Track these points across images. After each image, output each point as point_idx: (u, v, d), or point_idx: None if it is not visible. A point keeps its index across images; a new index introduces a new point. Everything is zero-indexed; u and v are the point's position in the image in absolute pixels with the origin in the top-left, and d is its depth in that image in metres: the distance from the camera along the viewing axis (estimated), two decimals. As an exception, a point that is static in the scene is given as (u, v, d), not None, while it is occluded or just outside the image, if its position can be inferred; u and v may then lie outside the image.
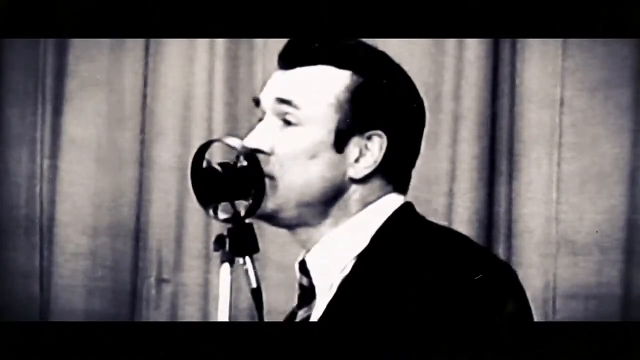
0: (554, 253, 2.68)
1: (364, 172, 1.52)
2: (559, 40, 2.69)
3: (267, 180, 1.49)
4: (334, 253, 1.53)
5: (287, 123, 1.52)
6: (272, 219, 1.52)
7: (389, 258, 1.48)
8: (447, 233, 1.56)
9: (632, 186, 2.66)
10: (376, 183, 1.54)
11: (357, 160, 1.52)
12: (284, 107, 1.52)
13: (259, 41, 2.96)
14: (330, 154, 1.51)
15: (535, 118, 2.72)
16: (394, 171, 1.55)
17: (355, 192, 1.53)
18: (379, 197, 1.54)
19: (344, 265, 1.52)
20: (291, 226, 1.54)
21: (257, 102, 1.57)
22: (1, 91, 3.10)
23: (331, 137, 1.51)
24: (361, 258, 1.51)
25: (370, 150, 1.52)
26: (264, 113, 1.55)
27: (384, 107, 1.54)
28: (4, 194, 3.11)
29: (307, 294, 1.55)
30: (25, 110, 3.12)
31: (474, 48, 2.75)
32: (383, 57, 1.58)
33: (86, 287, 3.09)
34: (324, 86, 1.52)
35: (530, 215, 2.72)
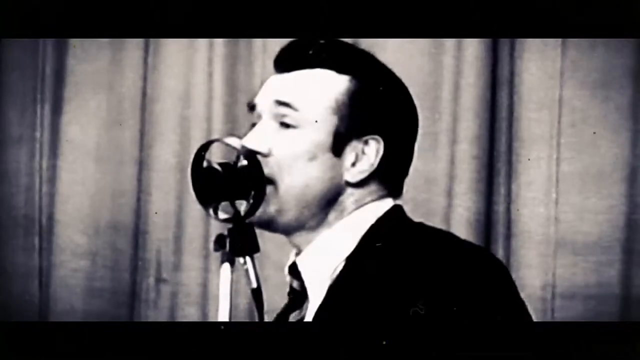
0: (553, 253, 2.68)
1: (360, 177, 1.53)
2: (559, 40, 2.69)
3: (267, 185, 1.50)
4: (324, 255, 1.53)
5: (285, 125, 1.52)
6: (271, 223, 1.52)
7: (377, 260, 1.48)
8: (435, 233, 1.55)
9: (632, 186, 2.66)
10: (372, 188, 1.55)
11: (353, 165, 1.53)
12: (283, 109, 1.52)
13: (258, 41, 2.96)
14: (328, 157, 1.52)
15: (534, 118, 2.72)
16: (390, 176, 1.56)
17: (350, 196, 1.54)
18: (371, 201, 1.54)
19: (335, 267, 1.52)
20: (289, 230, 1.54)
21: (252, 107, 1.57)
22: (1, 91, 3.10)
23: (329, 140, 1.52)
24: (350, 260, 1.52)
25: (366, 155, 1.53)
26: (259, 117, 1.56)
27: (382, 112, 1.54)
28: (3, 194, 3.11)
29: (298, 297, 1.56)
30: (25, 111, 3.12)
31: (474, 48, 2.75)
32: (378, 62, 1.59)
33: (85, 287, 3.09)
34: (324, 89, 1.53)
35: (529, 215, 2.72)
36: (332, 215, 1.53)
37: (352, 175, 1.53)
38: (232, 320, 1.43)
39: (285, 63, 1.56)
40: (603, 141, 2.67)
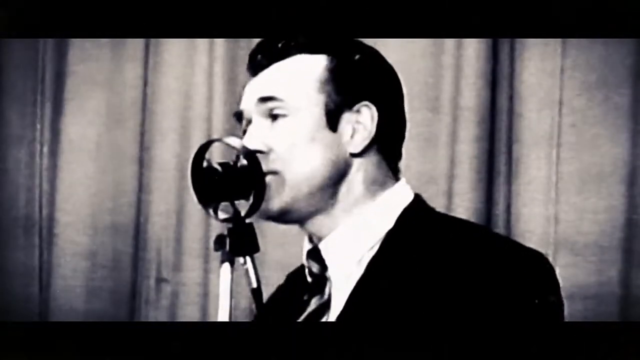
0: (553, 253, 2.68)
1: (363, 145, 1.55)
2: (558, 40, 2.69)
3: (272, 177, 1.51)
4: (350, 243, 1.55)
5: (275, 117, 1.55)
6: (285, 214, 1.54)
7: (413, 251, 1.51)
8: (468, 225, 1.61)
9: (631, 186, 2.66)
10: (375, 158, 1.57)
11: (352, 137, 1.55)
12: (269, 104, 1.55)
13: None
14: (326, 134, 1.55)
15: (534, 118, 2.72)
16: (388, 144, 1.59)
17: (358, 171, 1.56)
18: (383, 181, 1.57)
19: (361, 255, 1.54)
20: (304, 218, 1.56)
21: (239, 115, 1.60)
22: (1, 91, 3.10)
23: (323, 118, 1.55)
24: (383, 253, 1.53)
25: (362, 124, 1.56)
26: (248, 122, 1.58)
27: (365, 80, 1.58)
28: (4, 194, 3.11)
29: (319, 282, 1.57)
30: (25, 110, 3.12)
31: (474, 48, 2.75)
32: (347, 38, 1.63)
33: (86, 287, 3.09)
34: (303, 72, 1.56)
35: (529, 215, 2.72)
36: (343, 195, 1.55)
37: (354, 146, 1.55)
38: (232, 320, 1.43)
39: (258, 64, 1.60)
40: (603, 141, 2.67)
